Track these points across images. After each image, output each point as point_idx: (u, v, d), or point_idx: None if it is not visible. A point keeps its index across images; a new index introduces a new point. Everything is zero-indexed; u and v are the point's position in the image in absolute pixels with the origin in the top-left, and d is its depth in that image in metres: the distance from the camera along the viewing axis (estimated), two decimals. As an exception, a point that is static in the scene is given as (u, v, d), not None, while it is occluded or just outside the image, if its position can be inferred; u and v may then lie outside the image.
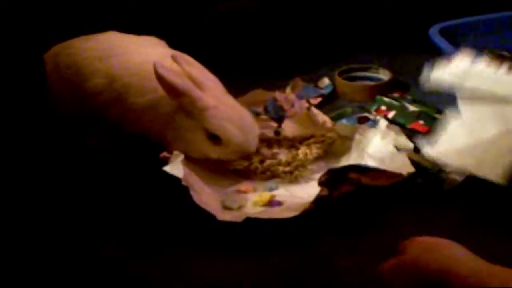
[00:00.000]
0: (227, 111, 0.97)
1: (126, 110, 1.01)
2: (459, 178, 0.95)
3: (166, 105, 0.98)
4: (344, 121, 1.20)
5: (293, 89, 1.36)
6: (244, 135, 0.97)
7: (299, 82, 1.38)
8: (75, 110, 1.07)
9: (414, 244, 0.68)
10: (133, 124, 1.02)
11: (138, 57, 1.04)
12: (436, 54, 1.32)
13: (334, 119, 1.22)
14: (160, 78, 0.93)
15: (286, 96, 1.30)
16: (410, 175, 0.93)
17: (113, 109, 1.03)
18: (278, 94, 1.29)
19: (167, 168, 0.92)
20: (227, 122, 0.95)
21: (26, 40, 0.87)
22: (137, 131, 1.03)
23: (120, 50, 1.05)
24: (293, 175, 1.01)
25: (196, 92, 0.95)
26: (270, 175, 1.02)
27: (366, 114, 1.21)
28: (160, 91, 0.96)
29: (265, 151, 1.05)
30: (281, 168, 1.02)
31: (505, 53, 1.40)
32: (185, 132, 0.98)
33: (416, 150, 1.01)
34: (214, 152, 0.97)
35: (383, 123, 1.12)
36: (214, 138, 0.96)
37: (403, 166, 0.95)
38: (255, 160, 1.02)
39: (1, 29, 0.82)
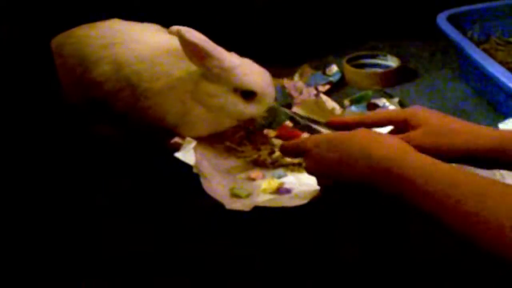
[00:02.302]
0: (252, 67, 0.98)
1: (138, 97, 1.01)
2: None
3: (183, 86, 0.99)
4: (353, 108, 1.21)
5: (301, 76, 1.36)
6: (272, 87, 0.98)
7: (307, 69, 1.38)
8: (80, 99, 1.07)
9: (360, 131, 0.70)
10: (146, 111, 1.02)
11: (144, 43, 1.03)
12: (444, 40, 1.32)
13: (353, 102, 1.23)
14: (187, 43, 0.92)
15: (294, 83, 1.31)
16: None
17: (122, 97, 1.03)
18: (286, 82, 1.29)
19: (178, 155, 0.92)
20: (257, 76, 0.97)
21: (32, 27, 0.87)
22: (149, 118, 1.03)
23: (125, 37, 1.05)
24: (302, 167, 1.02)
25: (222, 53, 0.95)
26: (278, 165, 1.03)
27: (376, 101, 1.22)
28: (175, 74, 0.98)
29: (275, 140, 1.06)
30: (289, 160, 1.02)
31: (513, 39, 1.41)
32: (214, 99, 0.97)
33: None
34: (248, 110, 0.97)
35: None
36: (248, 95, 0.96)
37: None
38: (264, 151, 1.03)
39: (6, 17, 0.82)
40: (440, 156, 0.65)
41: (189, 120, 1.00)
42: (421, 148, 0.67)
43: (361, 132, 0.71)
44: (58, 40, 1.09)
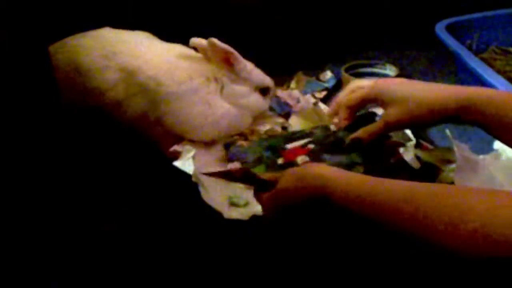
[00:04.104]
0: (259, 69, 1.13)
1: (158, 102, 1.04)
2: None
3: (207, 89, 1.06)
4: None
5: (296, 84, 1.36)
6: None
7: (301, 77, 1.38)
8: (74, 108, 1.06)
9: (285, 176, 0.73)
10: (164, 115, 1.05)
11: (151, 50, 1.08)
12: (442, 50, 1.33)
13: None
14: (219, 50, 1.03)
15: (289, 92, 1.31)
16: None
17: (133, 104, 1.05)
18: (279, 92, 1.29)
19: (177, 164, 0.93)
20: (267, 75, 1.13)
21: (30, 32, 0.86)
22: (167, 122, 1.05)
23: (126, 46, 1.07)
24: None
25: (242, 58, 1.07)
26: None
27: (374, 110, 1.21)
28: (197, 78, 1.05)
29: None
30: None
31: (511, 49, 1.41)
32: (243, 98, 1.09)
33: (418, 145, 1.01)
34: (266, 104, 1.14)
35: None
36: (265, 91, 1.12)
37: (410, 161, 0.95)
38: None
39: (4, 23, 0.82)
40: (415, 125, 0.83)
41: (214, 120, 1.06)
42: (399, 125, 0.82)
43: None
44: (50, 51, 1.08)
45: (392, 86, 0.82)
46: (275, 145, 1.00)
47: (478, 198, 0.52)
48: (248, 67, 1.08)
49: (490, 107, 0.71)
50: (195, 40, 1.08)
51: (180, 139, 1.06)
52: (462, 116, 0.73)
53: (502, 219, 0.48)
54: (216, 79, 1.07)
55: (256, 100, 1.11)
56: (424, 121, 0.78)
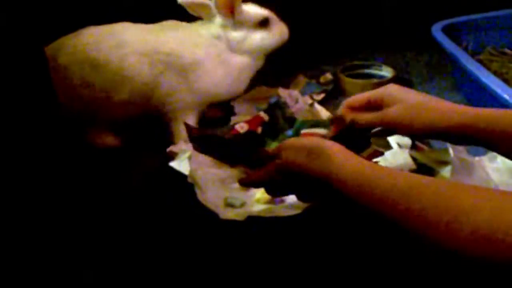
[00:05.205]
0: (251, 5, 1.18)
1: (186, 72, 1.10)
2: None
3: (216, 48, 1.13)
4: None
5: (296, 85, 1.36)
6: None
7: (301, 78, 1.38)
8: (82, 108, 1.08)
9: (291, 148, 0.71)
10: (196, 83, 1.12)
11: (148, 32, 1.12)
12: (438, 51, 1.33)
13: None
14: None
15: (290, 92, 1.31)
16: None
17: (164, 81, 1.10)
18: (281, 91, 1.29)
19: (173, 164, 0.93)
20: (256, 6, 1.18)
21: (25, 33, 0.86)
22: (202, 89, 1.13)
23: (128, 34, 1.10)
24: None
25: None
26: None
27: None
28: (204, 41, 1.12)
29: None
30: None
31: (507, 50, 1.42)
32: (247, 42, 1.14)
33: (414, 146, 1.02)
34: (273, 38, 1.18)
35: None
36: (264, 23, 1.16)
37: (406, 163, 0.95)
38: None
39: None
40: (413, 131, 0.71)
41: (235, 76, 1.15)
42: (395, 124, 0.74)
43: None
44: (64, 42, 1.10)
45: (403, 91, 0.77)
46: (300, 127, 1.01)
47: (483, 197, 0.51)
48: (243, 7, 1.13)
49: (499, 123, 0.67)
50: None
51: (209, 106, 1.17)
52: (468, 133, 0.69)
53: (506, 223, 0.47)
54: (219, 36, 1.13)
55: (261, 37, 1.15)
56: (421, 129, 0.73)
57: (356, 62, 1.45)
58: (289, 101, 1.27)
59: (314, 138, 0.72)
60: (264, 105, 1.25)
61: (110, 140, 1.13)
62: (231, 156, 0.84)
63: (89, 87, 1.06)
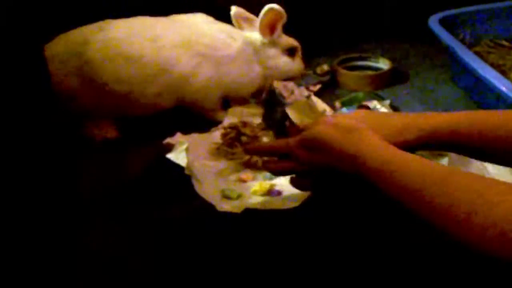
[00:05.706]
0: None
1: (218, 65, 1.15)
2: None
3: (247, 52, 1.19)
4: (344, 110, 1.21)
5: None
6: None
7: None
8: (101, 98, 1.09)
9: (326, 123, 0.71)
10: (226, 77, 1.17)
11: (181, 26, 1.15)
12: (435, 43, 1.33)
13: (345, 103, 1.24)
14: (276, 13, 1.15)
15: (285, 83, 1.30)
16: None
17: (201, 73, 1.14)
18: (275, 82, 1.29)
19: (170, 156, 0.93)
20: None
21: (24, 30, 0.86)
22: (228, 85, 1.19)
23: (159, 28, 1.12)
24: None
25: None
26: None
27: (367, 103, 1.22)
28: (239, 43, 1.17)
29: (265, 139, 1.06)
30: None
31: (504, 42, 1.41)
32: (274, 60, 1.21)
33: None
34: (292, 65, 1.24)
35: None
36: (291, 52, 1.23)
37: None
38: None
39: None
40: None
41: (252, 79, 1.21)
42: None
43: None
44: (88, 36, 1.08)
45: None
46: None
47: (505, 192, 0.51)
48: (280, 32, 1.20)
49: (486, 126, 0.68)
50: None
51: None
52: (455, 139, 0.69)
53: None
54: (250, 43, 1.19)
55: (285, 62, 1.22)
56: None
57: (353, 54, 1.44)
58: (284, 92, 1.26)
59: (351, 117, 0.74)
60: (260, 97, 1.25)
61: (109, 132, 1.13)
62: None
63: (123, 83, 1.07)
